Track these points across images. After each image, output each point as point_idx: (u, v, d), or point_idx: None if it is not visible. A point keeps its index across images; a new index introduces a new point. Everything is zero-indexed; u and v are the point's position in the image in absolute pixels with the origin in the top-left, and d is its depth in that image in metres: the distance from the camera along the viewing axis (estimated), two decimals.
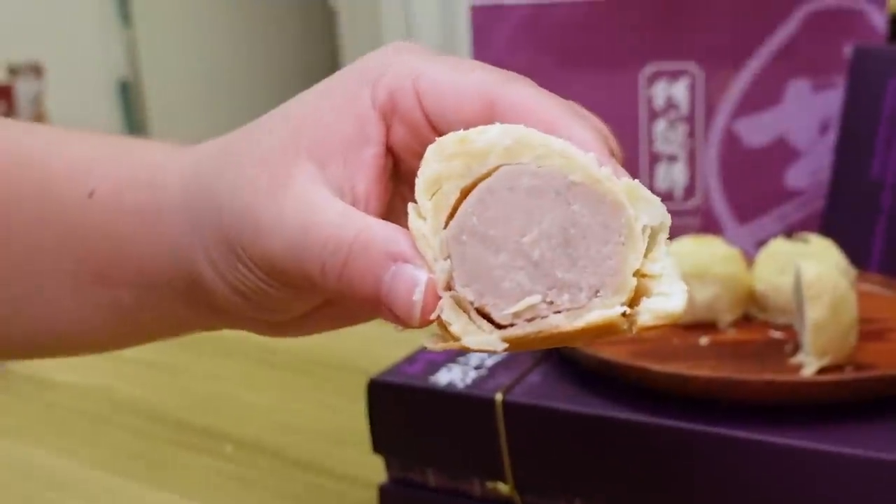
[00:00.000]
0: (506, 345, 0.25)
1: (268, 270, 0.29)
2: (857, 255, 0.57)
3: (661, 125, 0.72)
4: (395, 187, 0.31)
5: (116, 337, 0.37)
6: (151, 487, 0.56)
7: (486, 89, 0.28)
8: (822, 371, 0.41)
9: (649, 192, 0.25)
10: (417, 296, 0.25)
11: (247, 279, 0.30)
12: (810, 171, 0.71)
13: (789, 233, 0.51)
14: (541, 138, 0.25)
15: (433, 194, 0.25)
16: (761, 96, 0.71)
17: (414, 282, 0.25)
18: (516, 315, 0.25)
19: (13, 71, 2.05)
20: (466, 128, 0.26)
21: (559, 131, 0.27)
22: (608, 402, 0.42)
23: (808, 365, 0.42)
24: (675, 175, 0.72)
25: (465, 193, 0.25)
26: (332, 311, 0.33)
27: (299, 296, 0.31)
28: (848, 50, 0.68)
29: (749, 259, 0.51)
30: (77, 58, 2.30)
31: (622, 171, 0.26)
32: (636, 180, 0.25)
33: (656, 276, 0.25)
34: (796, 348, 0.45)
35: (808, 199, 0.72)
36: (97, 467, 0.59)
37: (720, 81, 0.71)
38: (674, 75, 0.72)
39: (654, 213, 0.25)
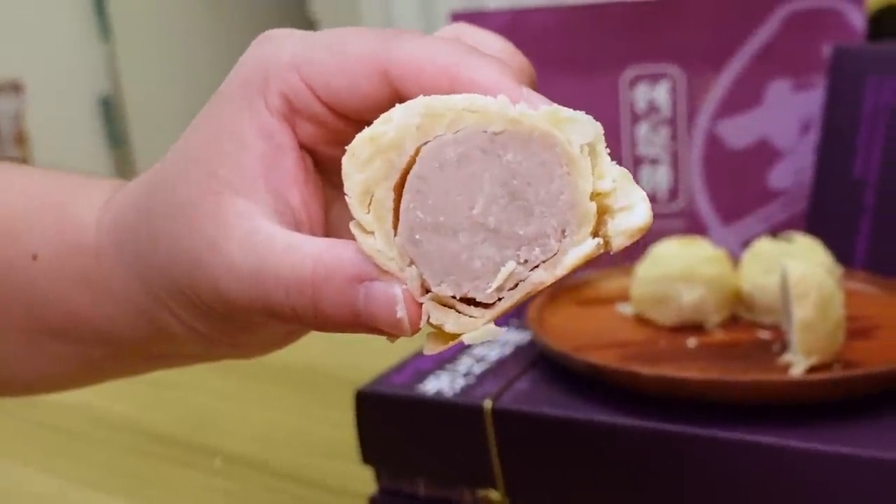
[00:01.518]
0: (503, 329, 0.24)
1: (236, 317, 0.28)
2: (842, 253, 0.57)
3: (643, 128, 0.72)
4: (324, 181, 0.30)
5: (79, 382, 0.36)
6: (139, 503, 0.55)
7: (373, 58, 0.27)
8: (810, 370, 0.41)
9: (570, 111, 0.24)
10: (401, 312, 0.24)
11: (216, 326, 0.29)
12: (793, 172, 0.72)
13: (774, 232, 0.51)
14: (445, 103, 0.24)
15: (368, 205, 0.24)
16: (742, 98, 0.72)
17: (390, 299, 0.24)
18: (499, 289, 0.24)
19: None
20: (367, 104, 0.25)
21: (461, 77, 0.25)
22: (597, 406, 0.42)
23: (797, 364, 0.41)
24: (658, 178, 0.73)
25: (398, 190, 0.24)
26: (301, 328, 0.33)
27: (267, 326, 0.30)
28: (827, 49, 0.68)
29: (734, 260, 0.51)
30: (57, 74, 2.28)
31: (537, 98, 0.25)
32: (553, 105, 0.24)
33: (611, 191, 0.24)
34: (784, 348, 0.45)
35: (791, 200, 0.72)
36: (83, 485, 0.58)
37: (701, 83, 0.72)
38: (655, 78, 0.72)
39: (584, 129, 0.24)
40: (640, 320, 0.50)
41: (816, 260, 0.47)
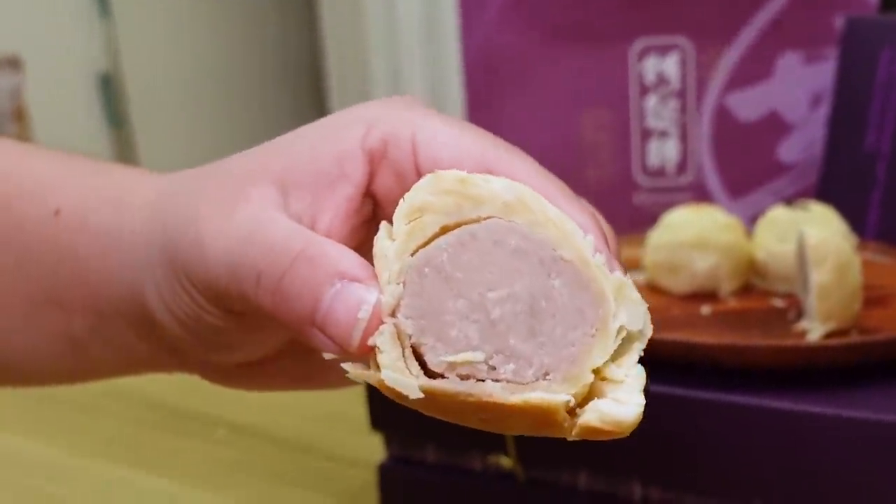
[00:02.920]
0: (421, 395, 0.22)
1: (204, 290, 0.27)
2: (853, 226, 0.56)
3: (652, 101, 0.71)
4: (369, 233, 0.29)
5: (69, 370, 0.35)
6: (143, 473, 0.55)
7: (485, 154, 0.27)
8: (827, 336, 0.41)
9: (638, 295, 0.24)
10: (363, 314, 0.23)
11: (185, 304, 0.28)
12: (803, 145, 0.71)
13: (789, 200, 0.51)
14: (542, 205, 0.24)
15: (412, 220, 0.24)
16: (752, 70, 0.71)
17: (360, 300, 0.23)
18: (451, 366, 0.23)
19: None
20: None
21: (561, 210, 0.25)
22: None
23: (813, 330, 0.41)
24: (666, 151, 0.72)
25: (444, 231, 0.23)
26: (286, 366, 0.32)
27: (239, 327, 0.29)
28: (839, 21, 0.67)
29: (746, 232, 0.51)
30: (56, 50, 2.27)
31: (617, 265, 0.25)
32: (628, 277, 0.24)
33: (617, 381, 0.23)
34: (799, 316, 0.44)
35: (800, 173, 0.71)
36: (87, 455, 0.58)
37: (711, 56, 0.71)
38: (664, 50, 0.71)
39: (637, 317, 0.23)
40: (653, 288, 0.49)
41: (832, 227, 0.47)
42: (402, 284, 0.23)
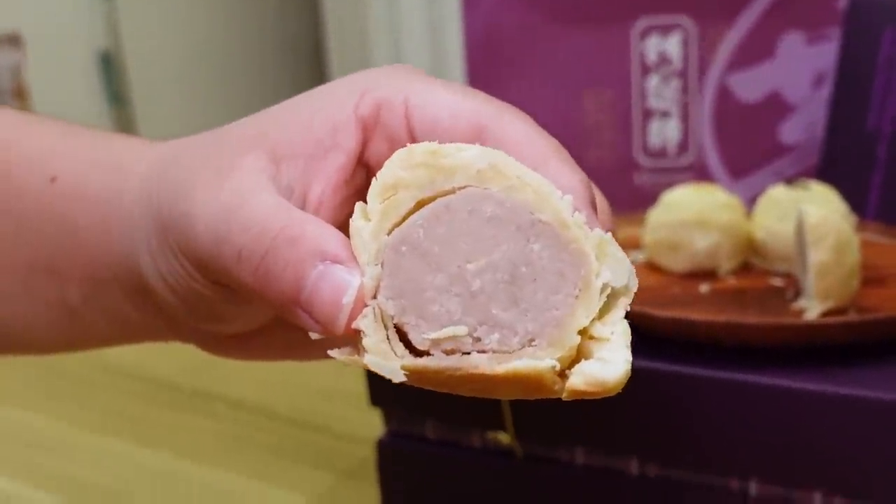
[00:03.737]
0: (404, 377, 0.22)
1: (193, 260, 0.27)
2: (854, 207, 0.56)
3: (654, 80, 0.71)
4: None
5: (64, 338, 0.35)
6: (143, 446, 0.55)
7: (479, 115, 0.27)
8: (825, 315, 0.41)
9: (621, 251, 0.23)
10: (348, 298, 0.23)
11: (178, 274, 0.28)
12: (804, 126, 0.71)
13: (789, 180, 0.51)
14: (517, 169, 0.23)
15: (386, 199, 0.23)
16: (754, 50, 0.71)
17: (344, 284, 0.23)
18: (435, 343, 0.22)
19: None
20: None
21: (545, 171, 0.25)
22: None
23: (811, 309, 0.41)
24: (668, 131, 0.72)
25: (419, 206, 0.23)
26: (280, 337, 0.32)
27: (230, 299, 0.29)
28: (841, 1, 0.67)
29: (746, 212, 0.51)
30: (57, 28, 2.26)
31: (597, 222, 0.24)
32: (609, 234, 0.23)
33: (603, 339, 0.23)
34: (797, 294, 0.44)
35: (802, 154, 0.71)
36: (87, 428, 0.58)
37: (713, 35, 0.71)
38: (666, 30, 0.71)
39: (621, 273, 0.23)
40: (652, 267, 0.49)
41: (832, 207, 0.47)
42: (380, 265, 0.23)
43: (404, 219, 0.23)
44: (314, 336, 0.24)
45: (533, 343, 0.23)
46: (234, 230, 0.25)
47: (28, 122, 0.35)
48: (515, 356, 0.22)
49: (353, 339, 0.23)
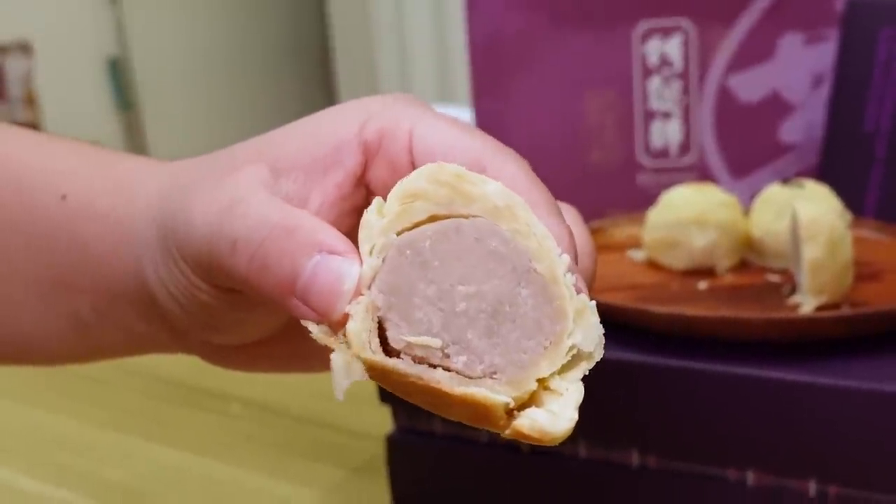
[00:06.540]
0: (366, 375, 0.24)
1: (190, 259, 0.28)
2: (852, 204, 0.57)
3: (655, 82, 0.72)
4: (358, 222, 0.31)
5: (74, 350, 0.36)
6: (159, 444, 0.57)
7: (480, 155, 0.27)
8: (819, 309, 0.42)
9: (597, 320, 0.24)
10: (349, 285, 0.24)
11: (178, 280, 0.29)
12: (804, 126, 0.72)
13: (786, 179, 0.52)
14: (529, 217, 0.24)
15: (404, 203, 0.24)
16: (754, 51, 0.72)
17: (342, 273, 0.24)
18: (409, 347, 0.24)
19: (1, 49, 2.04)
20: None
21: (550, 229, 0.26)
22: (609, 344, 0.42)
23: (806, 304, 0.42)
24: (670, 132, 0.73)
25: (432, 220, 0.24)
26: (282, 349, 0.33)
27: (231, 305, 0.30)
28: (839, 2, 0.68)
29: (745, 211, 0.52)
30: (66, 35, 2.28)
31: (585, 288, 0.26)
32: (593, 302, 0.25)
33: (557, 393, 0.24)
34: (793, 290, 0.45)
35: (802, 154, 0.72)
36: (105, 427, 0.60)
37: (713, 37, 0.72)
38: (667, 32, 0.72)
39: (591, 340, 0.24)
40: (652, 265, 0.51)
41: (826, 204, 0.48)
42: (381, 260, 0.24)
43: (415, 226, 0.24)
44: (307, 324, 0.25)
45: (494, 376, 0.24)
46: (229, 222, 0.26)
47: (39, 142, 0.36)
48: (475, 383, 0.24)
49: (339, 326, 0.24)
